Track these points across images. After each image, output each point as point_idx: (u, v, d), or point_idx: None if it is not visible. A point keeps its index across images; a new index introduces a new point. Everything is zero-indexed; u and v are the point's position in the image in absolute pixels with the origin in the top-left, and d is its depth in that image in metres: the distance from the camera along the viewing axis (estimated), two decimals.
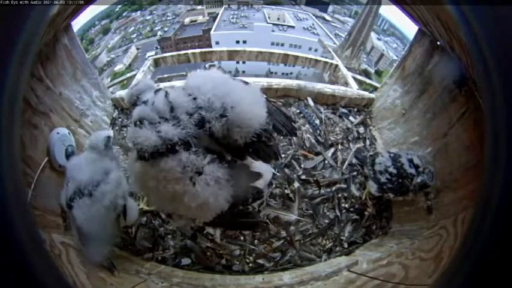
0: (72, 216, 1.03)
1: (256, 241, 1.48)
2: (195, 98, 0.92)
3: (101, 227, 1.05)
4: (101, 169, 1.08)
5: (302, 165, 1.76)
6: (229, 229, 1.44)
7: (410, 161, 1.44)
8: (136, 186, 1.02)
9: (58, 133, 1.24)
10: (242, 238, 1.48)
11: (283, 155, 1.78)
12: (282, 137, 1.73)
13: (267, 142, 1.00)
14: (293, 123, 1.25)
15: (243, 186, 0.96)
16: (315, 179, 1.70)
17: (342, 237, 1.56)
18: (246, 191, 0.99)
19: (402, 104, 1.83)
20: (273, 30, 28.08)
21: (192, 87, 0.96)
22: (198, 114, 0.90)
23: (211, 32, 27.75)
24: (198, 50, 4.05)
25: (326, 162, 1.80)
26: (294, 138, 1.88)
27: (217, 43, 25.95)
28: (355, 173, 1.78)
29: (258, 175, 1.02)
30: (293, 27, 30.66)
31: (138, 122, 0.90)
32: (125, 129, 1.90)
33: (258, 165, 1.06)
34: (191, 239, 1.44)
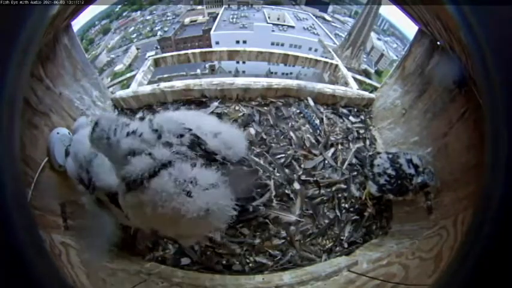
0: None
1: (256, 240, 1.48)
2: (182, 124, 0.93)
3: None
4: None
5: (302, 166, 1.76)
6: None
7: (409, 161, 1.44)
8: (136, 221, 0.99)
9: (58, 133, 1.24)
10: (242, 236, 1.48)
11: (283, 155, 1.78)
12: None
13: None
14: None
15: (244, 187, 0.95)
16: (315, 179, 1.70)
17: (342, 237, 1.56)
18: (249, 190, 0.98)
19: (402, 104, 1.83)
20: (273, 30, 28.08)
21: (176, 120, 0.96)
22: (190, 135, 0.91)
23: (211, 32, 27.75)
24: (198, 50, 4.04)
25: (326, 162, 1.80)
26: (294, 138, 1.88)
27: (217, 43, 25.95)
28: (355, 173, 1.78)
29: (257, 172, 1.01)
30: (293, 27, 30.65)
31: (129, 156, 0.85)
32: None
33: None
34: None
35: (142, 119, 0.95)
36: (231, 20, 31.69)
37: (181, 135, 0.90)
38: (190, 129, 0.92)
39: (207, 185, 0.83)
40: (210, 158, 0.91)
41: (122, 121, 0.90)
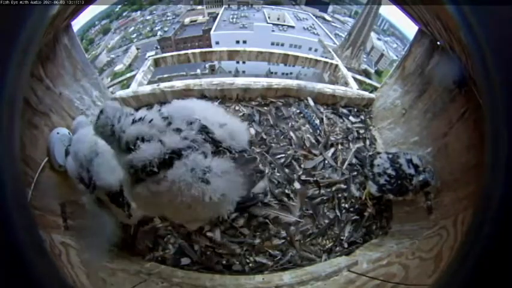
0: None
1: (256, 240, 1.48)
2: (189, 115, 0.96)
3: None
4: None
5: (302, 166, 1.76)
6: None
7: (409, 161, 1.44)
8: (146, 210, 1.05)
9: (58, 133, 1.24)
10: (242, 236, 1.48)
11: (283, 155, 1.78)
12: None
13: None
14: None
15: (245, 174, 1.00)
16: (315, 179, 1.70)
17: (342, 237, 1.56)
18: (250, 176, 1.05)
19: (402, 104, 1.83)
20: (273, 30, 28.09)
21: (183, 108, 0.99)
22: (200, 122, 0.94)
23: (211, 32, 27.75)
24: (198, 50, 4.04)
25: (326, 162, 1.80)
26: (294, 138, 1.88)
27: (217, 43, 25.95)
28: (355, 173, 1.78)
29: (255, 159, 1.09)
30: (293, 27, 30.66)
31: (138, 141, 0.87)
32: None
33: None
34: (184, 239, 1.44)
35: (149, 108, 0.98)
36: (231, 20, 31.69)
37: (191, 123, 0.94)
38: (198, 119, 0.96)
39: (221, 172, 0.89)
40: (216, 146, 0.95)
41: (126, 111, 0.95)
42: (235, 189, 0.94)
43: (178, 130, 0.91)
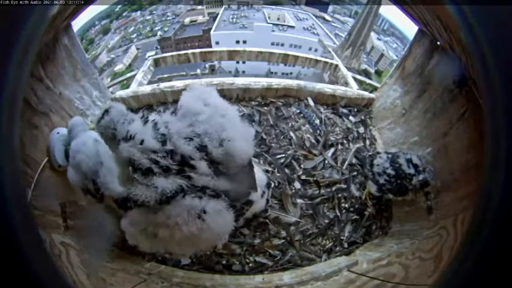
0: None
1: (256, 240, 1.48)
2: (191, 125, 0.92)
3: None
4: None
5: (302, 166, 1.76)
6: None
7: (409, 161, 1.44)
8: (140, 241, 0.97)
9: (58, 133, 1.24)
10: (242, 236, 1.48)
11: (283, 155, 1.78)
12: None
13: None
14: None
15: (242, 191, 0.99)
16: (315, 179, 1.70)
17: (342, 237, 1.56)
18: (245, 191, 1.03)
19: (402, 104, 1.83)
20: (273, 30, 28.08)
21: (188, 112, 0.94)
22: (199, 139, 0.90)
23: (211, 32, 27.75)
24: (198, 50, 4.06)
25: (326, 162, 1.80)
26: (294, 138, 1.88)
27: (217, 43, 25.94)
28: (355, 173, 1.78)
29: (252, 168, 1.07)
30: (293, 27, 30.65)
31: (130, 168, 0.86)
32: None
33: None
34: None
35: (145, 121, 0.92)
36: (231, 20, 31.68)
37: (190, 139, 0.90)
38: (199, 135, 0.91)
39: (215, 213, 0.89)
40: (213, 166, 0.92)
41: (130, 117, 0.93)
42: (229, 226, 0.94)
43: (172, 153, 0.87)
